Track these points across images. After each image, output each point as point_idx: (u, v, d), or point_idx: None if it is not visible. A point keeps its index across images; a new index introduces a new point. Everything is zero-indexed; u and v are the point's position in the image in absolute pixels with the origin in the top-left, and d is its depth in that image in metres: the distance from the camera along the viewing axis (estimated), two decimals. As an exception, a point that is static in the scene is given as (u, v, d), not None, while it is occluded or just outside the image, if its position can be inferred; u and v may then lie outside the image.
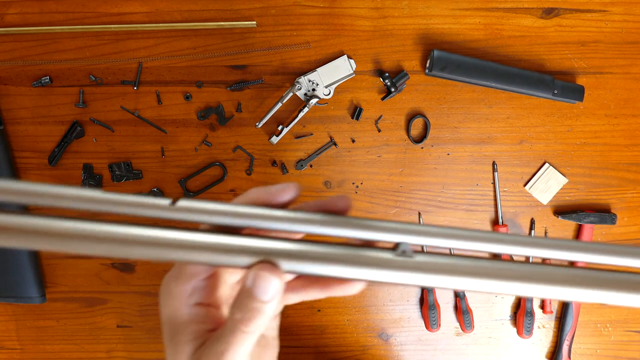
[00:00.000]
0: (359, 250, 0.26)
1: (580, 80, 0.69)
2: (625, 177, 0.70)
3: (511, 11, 0.68)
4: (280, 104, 0.67)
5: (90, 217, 0.25)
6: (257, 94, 0.69)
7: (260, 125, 0.68)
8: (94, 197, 0.25)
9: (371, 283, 0.26)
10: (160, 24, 0.68)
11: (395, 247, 0.26)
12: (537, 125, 0.69)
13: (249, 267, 0.26)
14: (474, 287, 0.25)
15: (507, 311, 0.71)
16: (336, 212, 0.28)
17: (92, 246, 0.24)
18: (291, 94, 0.67)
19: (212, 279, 0.31)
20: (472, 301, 0.71)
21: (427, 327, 0.71)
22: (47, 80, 0.68)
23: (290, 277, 0.31)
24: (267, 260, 0.26)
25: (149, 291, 0.72)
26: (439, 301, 0.70)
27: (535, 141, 0.69)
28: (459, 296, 0.70)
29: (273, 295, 0.26)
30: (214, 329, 0.30)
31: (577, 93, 0.67)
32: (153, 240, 0.25)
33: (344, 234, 0.26)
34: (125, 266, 0.71)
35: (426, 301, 0.70)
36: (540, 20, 0.68)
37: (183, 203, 0.26)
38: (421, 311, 0.71)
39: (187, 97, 0.68)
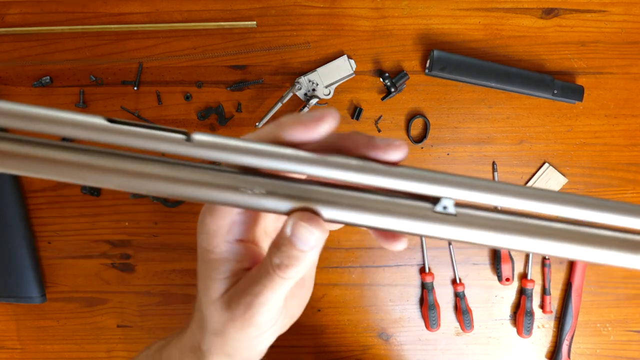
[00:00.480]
0: (402, 200, 0.24)
1: (580, 81, 0.69)
2: (625, 177, 0.70)
3: (511, 11, 0.68)
4: (280, 104, 0.67)
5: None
6: (257, 94, 0.69)
7: (260, 126, 0.68)
8: (99, 125, 0.22)
9: (413, 235, 0.24)
10: (161, 24, 0.68)
11: (435, 201, 0.24)
12: (537, 125, 0.69)
13: (287, 213, 0.24)
14: (518, 246, 0.24)
15: (507, 311, 0.71)
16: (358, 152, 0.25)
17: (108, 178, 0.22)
18: (291, 94, 0.67)
19: (252, 212, 0.28)
20: (471, 301, 0.71)
21: (427, 327, 0.71)
22: (47, 81, 0.68)
23: (336, 226, 0.28)
24: (308, 208, 0.24)
25: (149, 291, 0.72)
26: (438, 301, 0.71)
27: (535, 141, 0.69)
28: (458, 296, 0.70)
29: (314, 245, 0.24)
30: (251, 267, 0.28)
31: (576, 93, 0.67)
32: (172, 176, 0.23)
33: (384, 184, 0.24)
34: (126, 266, 0.71)
35: (426, 301, 0.70)
36: (540, 20, 0.68)
37: (201, 137, 0.23)
38: (421, 311, 0.71)
39: (187, 97, 0.68)
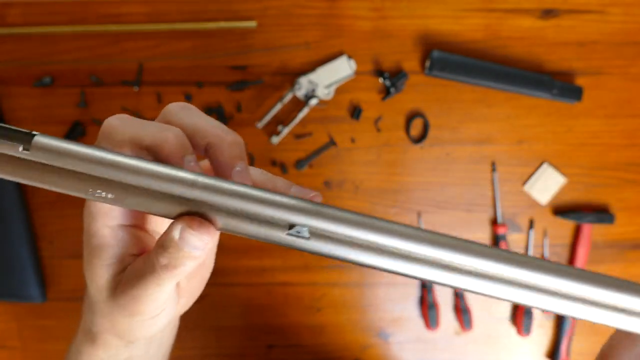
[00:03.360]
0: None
1: (579, 81, 0.69)
2: (624, 177, 0.70)
3: (510, 12, 0.68)
4: (280, 105, 0.67)
5: None
6: (257, 94, 0.69)
7: (260, 126, 0.68)
8: None
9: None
10: (161, 25, 0.68)
11: (289, 227, 0.24)
12: (536, 126, 0.70)
13: (175, 217, 0.24)
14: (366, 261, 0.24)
15: (507, 310, 0.72)
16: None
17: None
18: (291, 94, 0.67)
19: None
20: (471, 300, 0.71)
21: (426, 326, 0.71)
22: (48, 81, 0.68)
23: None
24: (197, 213, 0.23)
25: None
26: (438, 300, 0.71)
27: (534, 141, 0.70)
28: (458, 295, 0.70)
29: (203, 248, 0.24)
30: (139, 253, 0.28)
31: (575, 93, 0.67)
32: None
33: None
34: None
35: (425, 300, 0.70)
36: (539, 21, 0.69)
37: (44, 140, 0.22)
38: (420, 310, 0.71)
39: (188, 98, 0.69)
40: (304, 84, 0.67)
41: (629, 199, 0.70)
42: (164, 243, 0.24)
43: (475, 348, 0.72)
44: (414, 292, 0.72)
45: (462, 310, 0.70)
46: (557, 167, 0.70)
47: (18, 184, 0.69)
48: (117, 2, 0.68)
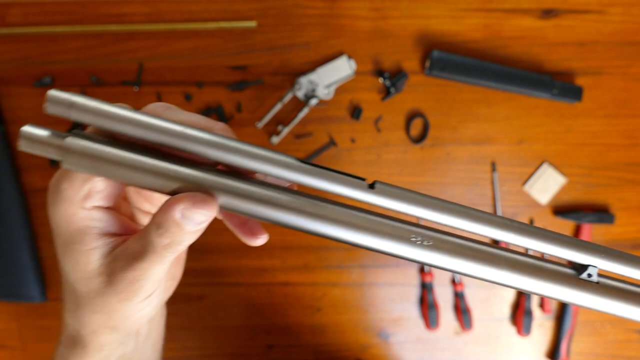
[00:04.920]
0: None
1: (579, 81, 0.69)
2: (624, 177, 0.70)
3: (510, 12, 0.68)
4: (280, 105, 0.67)
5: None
6: (257, 94, 0.69)
7: (260, 126, 0.68)
8: (289, 163, 0.24)
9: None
10: (161, 25, 0.68)
11: (582, 268, 0.26)
12: (536, 126, 0.70)
13: (173, 193, 0.24)
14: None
15: (507, 310, 0.72)
16: None
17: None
18: (291, 94, 0.67)
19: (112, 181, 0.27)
20: (471, 300, 0.71)
21: (426, 326, 0.71)
22: (48, 81, 0.68)
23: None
24: (200, 189, 0.24)
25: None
26: (438, 300, 0.71)
27: (534, 141, 0.70)
28: (458, 295, 0.70)
29: (205, 223, 0.24)
30: (121, 234, 0.27)
31: (575, 93, 0.67)
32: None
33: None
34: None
35: (425, 300, 0.70)
36: (539, 21, 0.69)
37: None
38: (421, 310, 0.71)
39: (188, 98, 0.69)
40: (304, 84, 0.67)
41: (629, 199, 0.70)
42: (164, 224, 0.24)
43: (475, 348, 0.72)
44: (414, 292, 0.72)
45: (462, 310, 0.70)
46: (557, 167, 0.70)
47: (18, 182, 0.69)
48: (117, 2, 0.68)
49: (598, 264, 0.25)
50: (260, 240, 0.28)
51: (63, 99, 0.23)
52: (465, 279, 0.71)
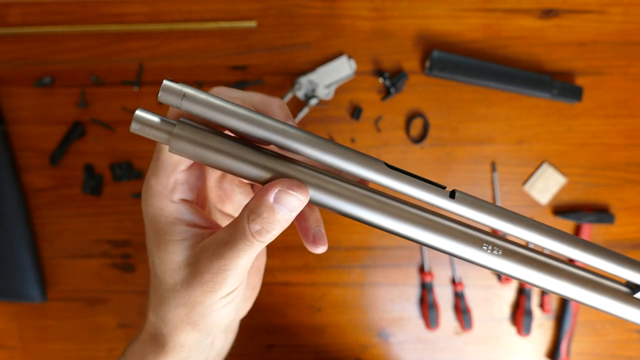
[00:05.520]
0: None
1: (579, 81, 0.69)
2: (624, 177, 0.70)
3: (510, 12, 0.68)
4: (280, 104, 0.67)
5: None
6: (257, 94, 0.69)
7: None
8: (378, 168, 0.26)
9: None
10: (161, 25, 0.68)
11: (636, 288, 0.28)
12: (536, 126, 0.70)
13: (266, 182, 0.26)
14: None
15: (507, 310, 0.72)
16: None
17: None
18: (291, 94, 0.67)
19: (193, 174, 0.29)
20: (471, 300, 0.71)
21: (426, 326, 0.71)
22: (48, 81, 0.68)
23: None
24: (291, 176, 0.26)
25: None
26: (438, 300, 0.71)
27: (534, 141, 0.70)
28: (458, 295, 0.70)
29: (297, 210, 0.25)
30: (205, 227, 0.29)
31: (575, 93, 0.67)
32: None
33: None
34: (126, 266, 0.71)
35: (425, 300, 0.70)
36: (539, 21, 0.69)
37: (459, 195, 0.26)
38: (421, 310, 0.71)
39: (188, 98, 0.68)
40: (304, 84, 0.67)
41: (629, 199, 0.70)
42: (257, 209, 0.25)
43: (475, 348, 0.72)
44: (414, 292, 0.72)
45: (462, 310, 0.70)
46: (557, 167, 0.70)
47: (18, 182, 0.69)
48: (117, 2, 0.68)
49: None
50: (320, 249, 0.29)
51: (176, 89, 0.25)
52: (465, 279, 0.71)
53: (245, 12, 0.68)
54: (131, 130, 0.26)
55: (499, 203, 0.70)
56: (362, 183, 0.28)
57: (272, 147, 0.28)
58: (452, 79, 0.67)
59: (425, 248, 0.70)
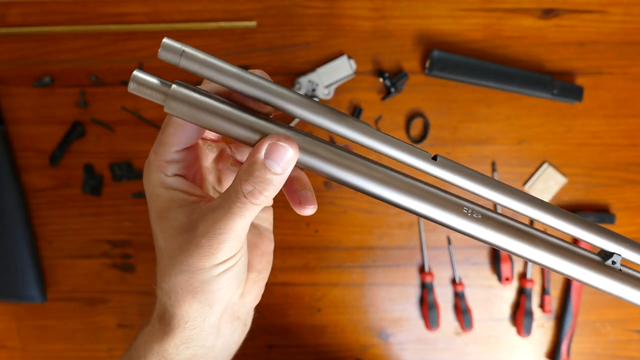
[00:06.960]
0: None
1: (579, 81, 0.69)
2: (624, 177, 0.70)
3: (510, 12, 0.68)
4: (280, 104, 0.67)
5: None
6: (257, 94, 0.69)
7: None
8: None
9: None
10: (161, 24, 0.68)
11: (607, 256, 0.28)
12: (536, 126, 0.69)
13: (259, 139, 0.26)
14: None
15: (507, 310, 0.72)
16: None
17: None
18: (291, 94, 0.67)
19: (191, 153, 0.30)
20: (471, 300, 0.71)
21: (426, 327, 0.71)
22: (48, 81, 0.68)
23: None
24: (281, 134, 0.26)
25: (150, 291, 0.72)
26: (438, 301, 0.71)
27: (535, 141, 0.70)
28: (458, 296, 0.70)
29: (288, 166, 0.26)
30: (202, 197, 0.30)
31: (576, 93, 0.67)
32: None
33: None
34: (126, 266, 0.71)
35: (426, 300, 0.70)
36: (539, 20, 0.68)
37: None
38: (421, 310, 0.71)
39: (188, 97, 0.68)
40: (304, 84, 0.67)
41: (629, 199, 0.70)
42: (249, 168, 0.26)
43: (475, 348, 0.72)
44: (414, 292, 0.72)
45: (462, 311, 0.70)
46: (557, 167, 0.70)
47: (18, 182, 0.69)
48: (117, 2, 0.68)
49: (622, 253, 0.28)
50: (308, 210, 0.29)
51: (175, 47, 0.25)
52: (465, 279, 0.71)
53: (245, 12, 0.68)
54: (129, 90, 0.26)
55: (499, 203, 0.70)
56: (347, 148, 0.29)
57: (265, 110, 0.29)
58: (452, 79, 0.67)
59: (425, 247, 0.70)
